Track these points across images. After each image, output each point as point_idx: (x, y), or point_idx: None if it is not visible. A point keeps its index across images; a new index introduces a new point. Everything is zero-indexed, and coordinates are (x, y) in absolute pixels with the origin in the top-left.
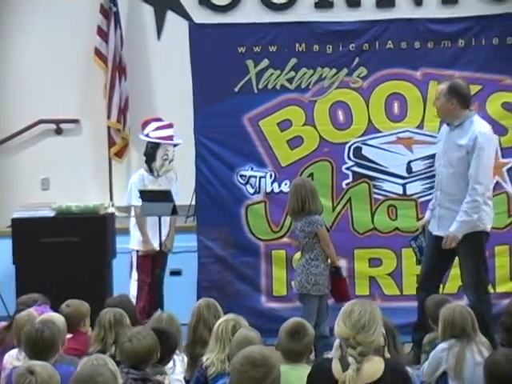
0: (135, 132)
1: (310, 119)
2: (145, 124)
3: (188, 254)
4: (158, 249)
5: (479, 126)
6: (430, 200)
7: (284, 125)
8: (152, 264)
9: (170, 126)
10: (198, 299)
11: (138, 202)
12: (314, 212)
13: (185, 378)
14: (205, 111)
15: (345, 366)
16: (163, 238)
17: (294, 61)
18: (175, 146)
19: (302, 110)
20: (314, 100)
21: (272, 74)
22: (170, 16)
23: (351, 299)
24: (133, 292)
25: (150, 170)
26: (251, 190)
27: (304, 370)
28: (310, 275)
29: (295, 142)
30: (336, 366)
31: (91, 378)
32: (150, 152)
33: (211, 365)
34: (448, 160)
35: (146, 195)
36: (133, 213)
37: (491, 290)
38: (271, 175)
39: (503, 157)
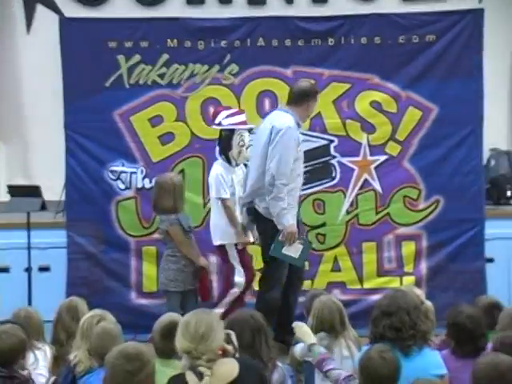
0: (4, 127)
1: (181, 115)
2: (215, 114)
3: (57, 249)
4: (251, 240)
5: None
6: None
7: (155, 120)
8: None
9: (241, 112)
10: (66, 296)
11: (226, 195)
12: (169, 210)
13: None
14: (75, 106)
15: (199, 376)
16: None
17: (165, 57)
18: (250, 131)
19: (174, 105)
20: (185, 96)
21: (143, 70)
22: (40, 10)
23: (210, 300)
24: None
25: (228, 161)
26: (122, 186)
27: (176, 367)
28: (169, 271)
29: (166, 138)
30: (191, 378)
31: None
32: (226, 141)
33: (79, 362)
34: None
35: (14, 190)
36: (218, 205)
37: (358, 286)
38: (142, 171)
39: (371, 155)
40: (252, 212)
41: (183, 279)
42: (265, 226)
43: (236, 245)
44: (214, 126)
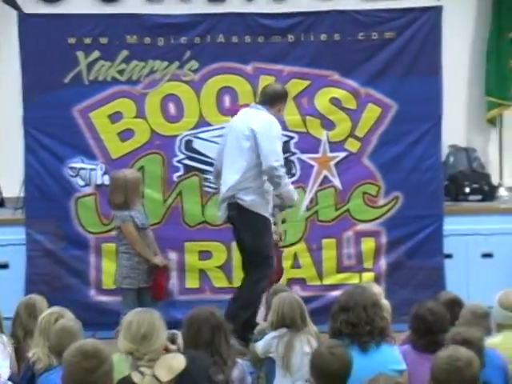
0: None
1: (141, 112)
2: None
3: (16, 246)
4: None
5: None
6: None
7: (115, 117)
8: None
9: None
10: (26, 293)
11: None
12: (120, 206)
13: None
14: (34, 102)
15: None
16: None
17: (125, 53)
18: None
19: (133, 102)
20: (145, 92)
21: (103, 66)
22: None
23: (166, 298)
24: None
25: None
26: (81, 183)
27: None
28: (123, 268)
29: (126, 135)
30: (137, 378)
31: None
32: None
33: (38, 360)
34: None
35: None
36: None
37: (318, 282)
38: (102, 167)
39: (331, 151)
40: (234, 207)
41: (136, 276)
42: (249, 219)
43: None
44: None
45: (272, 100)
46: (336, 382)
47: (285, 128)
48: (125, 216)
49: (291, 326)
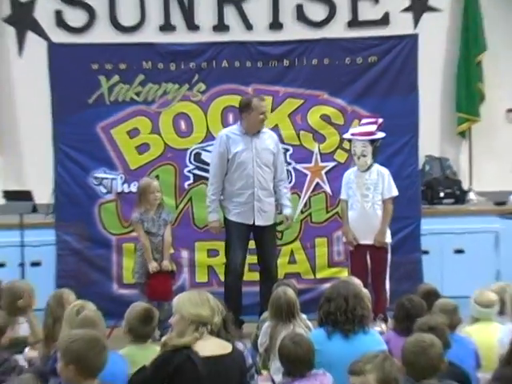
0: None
1: (155, 128)
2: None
3: (47, 246)
4: None
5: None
6: None
7: (133, 133)
8: None
9: (372, 122)
10: (56, 287)
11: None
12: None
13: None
14: (62, 121)
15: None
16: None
17: (141, 77)
18: (374, 141)
19: (149, 120)
20: (159, 111)
21: (122, 88)
22: (30, 36)
23: (154, 299)
24: None
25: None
26: (104, 191)
27: (153, 350)
28: (135, 264)
29: (143, 148)
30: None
31: None
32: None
33: None
34: (262, 161)
35: (9, 195)
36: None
37: (312, 276)
38: (122, 177)
39: (322, 161)
40: None
41: (144, 272)
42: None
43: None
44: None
45: (239, 111)
46: (303, 366)
47: (281, 141)
48: (134, 218)
49: (284, 317)
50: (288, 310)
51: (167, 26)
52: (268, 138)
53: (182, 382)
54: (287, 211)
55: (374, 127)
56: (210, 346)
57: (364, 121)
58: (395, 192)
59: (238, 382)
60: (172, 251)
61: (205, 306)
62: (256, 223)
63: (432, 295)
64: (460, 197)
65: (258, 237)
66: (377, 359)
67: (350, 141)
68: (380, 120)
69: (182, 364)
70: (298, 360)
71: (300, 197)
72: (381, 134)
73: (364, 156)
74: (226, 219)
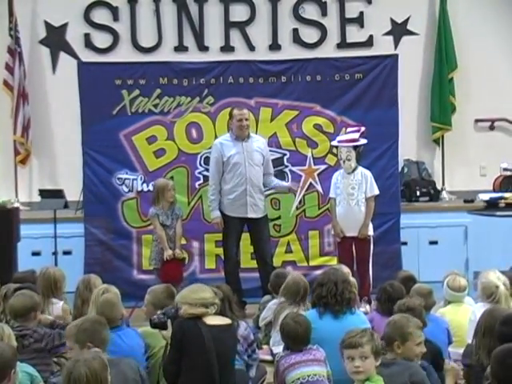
0: (36, 144)
1: (170, 135)
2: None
3: (77, 238)
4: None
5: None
6: None
7: (151, 139)
8: None
9: (356, 130)
10: (84, 273)
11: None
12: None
13: None
14: (90, 129)
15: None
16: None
17: (158, 91)
18: (357, 147)
19: (165, 128)
20: (173, 121)
21: (142, 101)
22: (62, 55)
23: (167, 281)
24: None
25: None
26: (126, 189)
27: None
28: (152, 252)
29: (159, 153)
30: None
31: None
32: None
33: None
34: (253, 161)
35: (44, 193)
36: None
37: (306, 264)
38: (141, 178)
39: (315, 164)
40: None
41: (160, 259)
42: None
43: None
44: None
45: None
46: (302, 342)
47: (279, 147)
48: (151, 213)
49: (294, 300)
50: (303, 295)
51: (181, 47)
52: (256, 141)
53: (189, 344)
54: (285, 183)
55: (357, 135)
56: (215, 320)
57: (349, 129)
58: (377, 191)
59: (233, 346)
60: (184, 242)
61: (205, 291)
62: (249, 216)
63: (410, 281)
64: (434, 195)
65: (252, 229)
66: (367, 334)
67: (337, 147)
68: (363, 128)
69: (191, 329)
70: (298, 337)
71: (295, 195)
72: (363, 141)
73: (349, 160)
74: (222, 214)
